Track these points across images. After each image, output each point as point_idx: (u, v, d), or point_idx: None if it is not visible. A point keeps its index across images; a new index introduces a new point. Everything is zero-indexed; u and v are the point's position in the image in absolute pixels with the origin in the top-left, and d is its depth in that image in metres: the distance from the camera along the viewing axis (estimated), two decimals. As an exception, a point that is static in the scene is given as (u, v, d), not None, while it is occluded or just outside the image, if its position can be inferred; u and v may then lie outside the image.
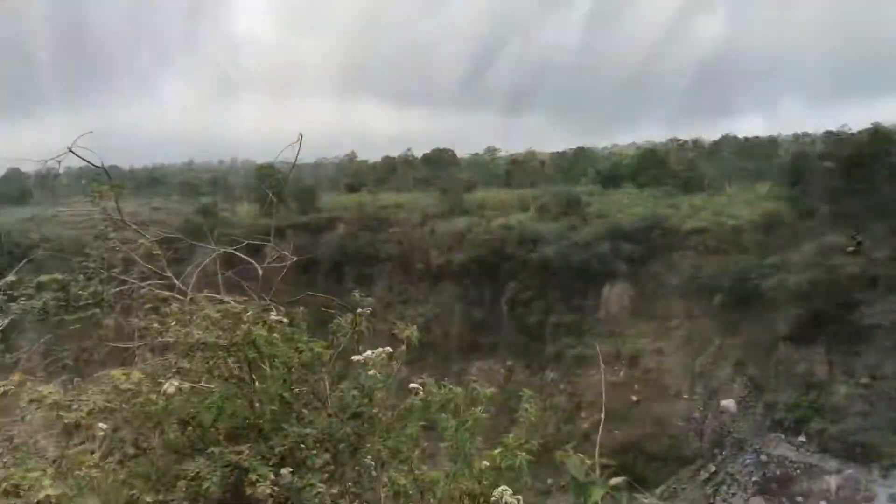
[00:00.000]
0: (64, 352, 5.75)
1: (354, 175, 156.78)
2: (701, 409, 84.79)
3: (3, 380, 5.32)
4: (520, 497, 6.16)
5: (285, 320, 6.08)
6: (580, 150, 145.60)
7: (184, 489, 4.79)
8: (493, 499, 6.13)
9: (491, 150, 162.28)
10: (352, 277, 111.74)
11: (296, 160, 7.56)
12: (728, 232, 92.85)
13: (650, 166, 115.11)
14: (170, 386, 5.40)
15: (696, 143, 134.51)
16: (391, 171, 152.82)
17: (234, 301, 5.98)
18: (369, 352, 6.08)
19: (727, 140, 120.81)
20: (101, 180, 7.71)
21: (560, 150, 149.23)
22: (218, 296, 6.87)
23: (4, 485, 4.17)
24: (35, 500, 3.86)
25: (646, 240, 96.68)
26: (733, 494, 72.78)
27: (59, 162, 7.68)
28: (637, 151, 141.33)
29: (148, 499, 5.65)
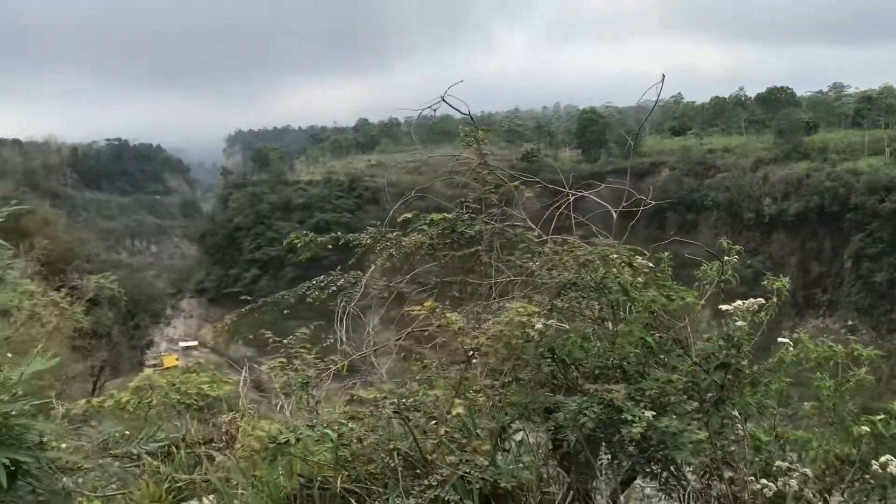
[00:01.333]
0: (453, 284, 6.32)
1: (680, 117, 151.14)
2: None
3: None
4: (904, 469, 5.62)
5: (651, 265, 6.07)
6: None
7: (561, 420, 5.05)
8: (872, 467, 5.66)
9: (837, 87, 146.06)
10: (674, 224, 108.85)
11: (656, 102, 7.43)
12: None
13: None
14: (539, 322, 5.67)
15: None
16: (720, 112, 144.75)
17: (604, 244, 6.10)
18: (739, 302, 5.86)
19: None
20: (469, 127, 8.24)
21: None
22: (572, 238, 7.06)
23: (409, 400, 4.72)
24: (444, 417, 4.33)
25: None
26: None
27: (435, 110, 8.33)
28: None
29: (518, 425, 6.09)
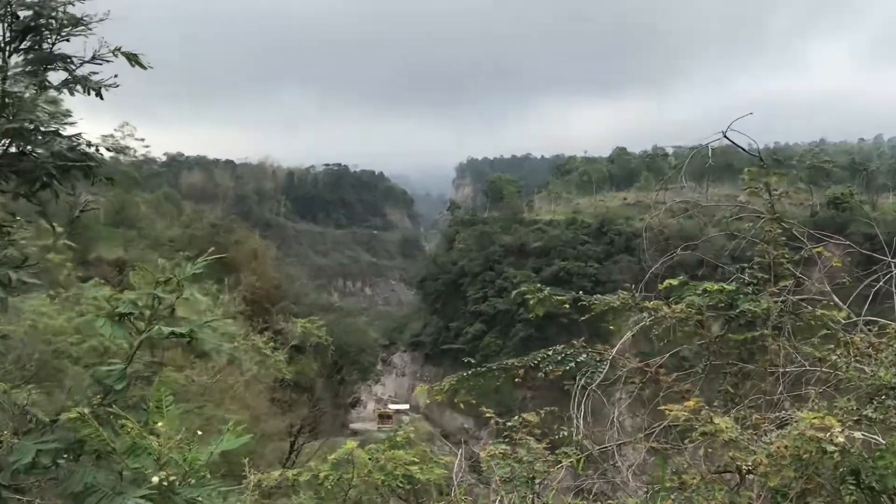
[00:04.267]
0: (726, 374, 6.01)
1: None
2: None
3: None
4: None
5: None
6: None
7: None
8: None
9: None
10: None
11: None
12: None
13: None
14: (840, 435, 5.25)
15: None
16: None
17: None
18: None
19: None
20: (755, 169, 7.93)
21: None
22: (893, 325, 6.47)
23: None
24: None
25: None
26: None
27: (710, 147, 8.14)
28: None
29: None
